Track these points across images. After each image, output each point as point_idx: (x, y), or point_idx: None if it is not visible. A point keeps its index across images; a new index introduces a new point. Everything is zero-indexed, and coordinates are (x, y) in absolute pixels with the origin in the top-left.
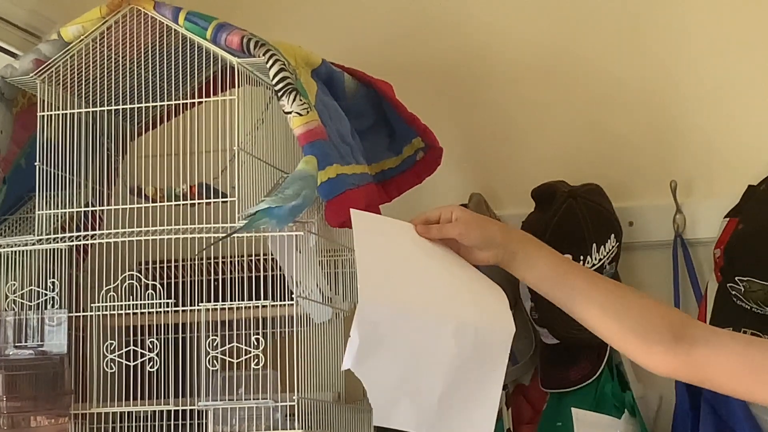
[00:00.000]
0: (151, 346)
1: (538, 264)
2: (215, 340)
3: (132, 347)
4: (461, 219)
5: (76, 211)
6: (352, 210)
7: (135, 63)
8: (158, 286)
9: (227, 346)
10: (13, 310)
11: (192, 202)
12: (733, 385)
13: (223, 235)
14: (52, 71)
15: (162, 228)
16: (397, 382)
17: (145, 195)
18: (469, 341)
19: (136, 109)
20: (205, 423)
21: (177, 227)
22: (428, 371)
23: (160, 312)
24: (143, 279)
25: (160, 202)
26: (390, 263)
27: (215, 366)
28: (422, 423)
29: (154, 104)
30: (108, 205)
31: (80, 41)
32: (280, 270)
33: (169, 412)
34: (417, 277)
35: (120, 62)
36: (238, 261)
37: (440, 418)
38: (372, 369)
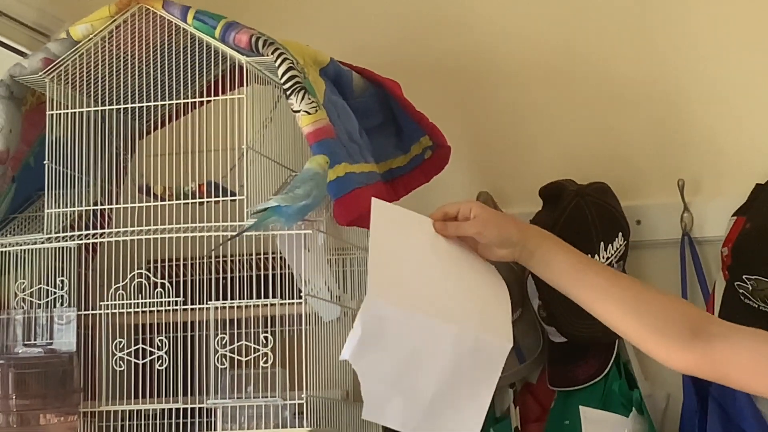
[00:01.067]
0: (159, 345)
1: (555, 262)
2: (224, 338)
3: (141, 345)
4: (479, 217)
5: (85, 210)
6: (373, 199)
7: (144, 62)
8: (167, 284)
9: (236, 345)
10: (23, 308)
11: (200, 200)
12: (752, 381)
13: (234, 234)
14: (61, 70)
15: (170, 226)
16: (393, 379)
17: (153, 193)
18: (467, 348)
19: (144, 107)
20: (214, 421)
21: (185, 226)
22: (424, 372)
23: (169, 310)
24: (152, 277)
25: (168, 200)
26: (402, 259)
27: (224, 364)
28: (409, 423)
29: (163, 103)
30: (117, 203)
31: (89, 40)
32: (288, 268)
33: (177, 410)
34: (427, 276)
35: (129, 61)
36: (247, 259)
37: (428, 419)
38: (370, 363)
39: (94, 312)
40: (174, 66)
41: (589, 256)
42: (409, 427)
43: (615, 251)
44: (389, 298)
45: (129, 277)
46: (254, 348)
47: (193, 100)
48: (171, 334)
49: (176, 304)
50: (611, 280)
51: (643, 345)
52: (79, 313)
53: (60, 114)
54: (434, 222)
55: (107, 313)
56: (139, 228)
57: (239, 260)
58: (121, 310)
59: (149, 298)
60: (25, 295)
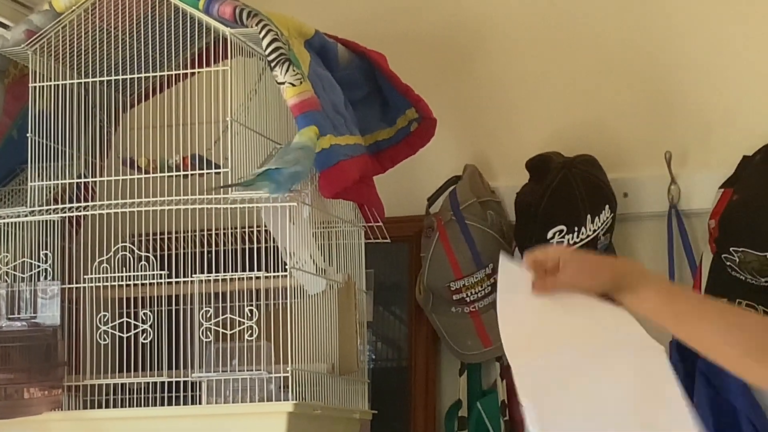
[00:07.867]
0: (144, 318)
1: (646, 297)
2: (209, 311)
3: (125, 319)
4: (570, 267)
5: (69, 183)
6: (501, 258)
7: (127, 34)
8: (151, 257)
9: (221, 318)
10: (6, 282)
11: (185, 173)
12: None
13: (221, 186)
14: (44, 42)
15: (155, 199)
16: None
17: (137, 166)
18: (628, 371)
19: (128, 80)
20: (199, 394)
21: (170, 199)
22: (604, 409)
23: (154, 284)
24: (136, 250)
25: (152, 173)
26: (528, 318)
27: (209, 337)
28: None
29: (147, 75)
30: (101, 176)
31: (72, 12)
32: (273, 242)
33: (162, 383)
34: (554, 325)
35: (112, 33)
36: (232, 232)
37: None
38: (560, 425)
39: (78, 285)
40: (158, 38)
41: (576, 228)
42: None
43: (602, 224)
44: (532, 357)
45: (113, 250)
46: (239, 321)
47: (177, 72)
48: (156, 308)
49: (161, 278)
50: (703, 309)
51: (742, 372)
52: (63, 286)
53: (43, 86)
54: (533, 286)
55: (91, 287)
56: (123, 201)
57: (224, 233)
58: (105, 284)
59: (134, 272)
60: (8, 268)
